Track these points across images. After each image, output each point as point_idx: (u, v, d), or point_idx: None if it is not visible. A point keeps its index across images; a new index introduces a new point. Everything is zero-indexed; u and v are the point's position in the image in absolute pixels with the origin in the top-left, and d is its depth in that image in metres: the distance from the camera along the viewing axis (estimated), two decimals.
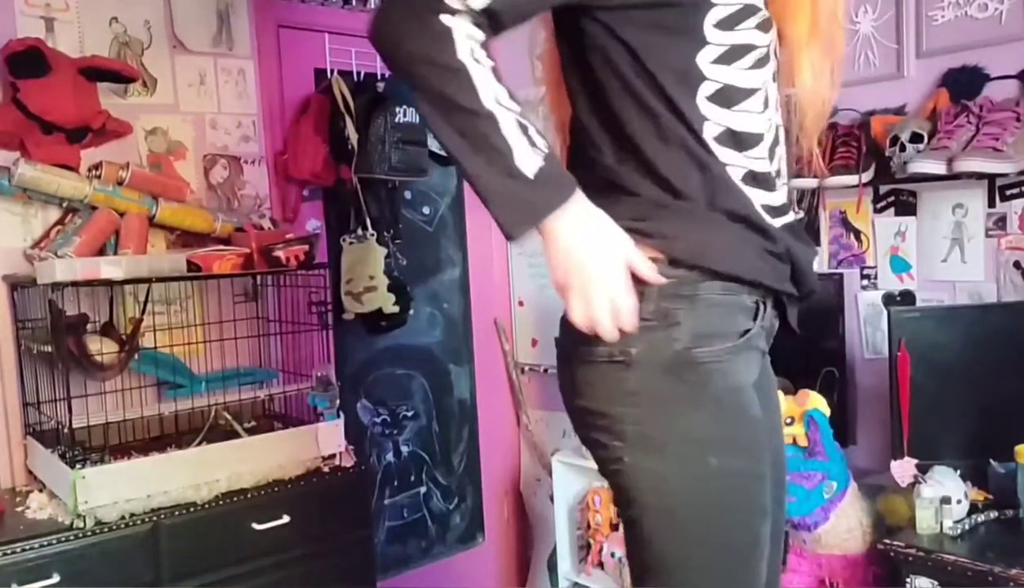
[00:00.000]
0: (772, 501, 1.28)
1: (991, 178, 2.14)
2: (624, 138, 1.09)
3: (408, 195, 3.04)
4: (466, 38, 0.97)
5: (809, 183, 2.31)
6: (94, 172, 2.26)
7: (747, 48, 1.06)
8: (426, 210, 3.11)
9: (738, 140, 1.08)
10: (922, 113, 2.26)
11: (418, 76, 0.99)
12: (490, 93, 0.98)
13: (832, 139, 2.30)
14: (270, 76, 2.68)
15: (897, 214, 2.37)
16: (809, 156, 1.27)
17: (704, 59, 1.05)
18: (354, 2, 2.83)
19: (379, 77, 2.78)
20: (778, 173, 1.15)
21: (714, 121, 1.07)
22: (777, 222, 1.12)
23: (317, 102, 2.68)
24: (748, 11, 1.06)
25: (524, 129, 1.00)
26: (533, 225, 1.02)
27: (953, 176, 2.07)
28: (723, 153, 1.07)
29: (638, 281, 1.06)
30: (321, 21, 2.78)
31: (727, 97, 1.06)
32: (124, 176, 2.26)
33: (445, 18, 0.96)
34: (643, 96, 1.06)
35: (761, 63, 1.09)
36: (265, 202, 2.66)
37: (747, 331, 1.10)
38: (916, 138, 2.15)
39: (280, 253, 2.28)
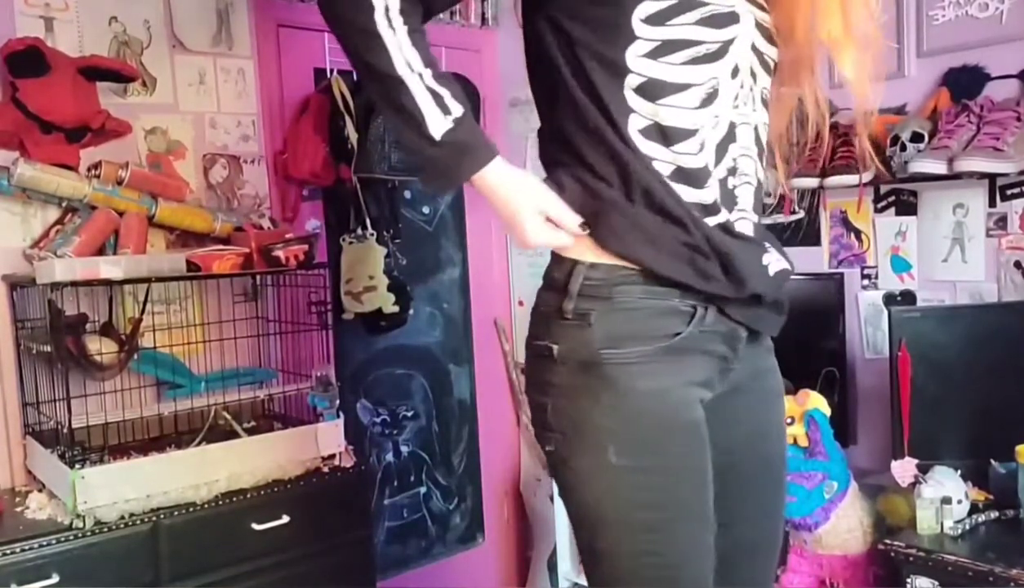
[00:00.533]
0: (769, 504, 1.28)
1: (992, 178, 2.14)
2: (557, 125, 1.14)
3: (408, 195, 3.04)
4: (383, 4, 1.04)
5: (810, 183, 2.31)
6: (93, 172, 2.26)
7: (683, 43, 1.07)
8: (426, 210, 3.11)
9: (664, 134, 1.09)
10: (923, 113, 2.26)
11: (343, 39, 1.08)
12: (401, 59, 1.04)
13: (832, 139, 2.30)
14: (270, 76, 2.68)
15: (898, 214, 2.37)
16: (863, 153, 1.28)
17: (633, 53, 1.07)
18: None
19: None
20: (732, 171, 1.13)
21: (640, 114, 1.08)
22: (709, 220, 1.11)
23: (317, 102, 2.67)
24: (684, 6, 1.06)
25: (435, 94, 1.05)
26: (449, 187, 1.12)
27: (954, 176, 2.07)
28: (647, 146, 1.09)
29: (564, 280, 1.12)
30: (321, 21, 2.76)
31: (652, 91, 1.08)
32: (123, 176, 2.26)
33: None
34: (571, 85, 1.10)
35: (707, 59, 1.08)
36: (265, 202, 2.66)
37: (678, 334, 1.11)
38: (917, 138, 2.15)
39: (280, 253, 2.28)
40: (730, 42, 1.09)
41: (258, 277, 2.49)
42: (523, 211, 1.10)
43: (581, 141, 1.11)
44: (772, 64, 1.17)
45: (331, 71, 2.74)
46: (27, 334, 2.16)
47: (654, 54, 1.07)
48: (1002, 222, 2.19)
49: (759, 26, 1.14)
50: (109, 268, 2.04)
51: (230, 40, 2.59)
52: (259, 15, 2.64)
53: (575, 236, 1.11)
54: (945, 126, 2.13)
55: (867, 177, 2.25)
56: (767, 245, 1.19)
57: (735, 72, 1.11)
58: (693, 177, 1.10)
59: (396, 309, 2.77)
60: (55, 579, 1.85)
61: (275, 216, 2.63)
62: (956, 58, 2.21)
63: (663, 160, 1.09)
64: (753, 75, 1.14)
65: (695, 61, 1.08)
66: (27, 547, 1.84)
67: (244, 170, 2.62)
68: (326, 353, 2.41)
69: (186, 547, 2.03)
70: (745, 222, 1.15)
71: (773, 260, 1.18)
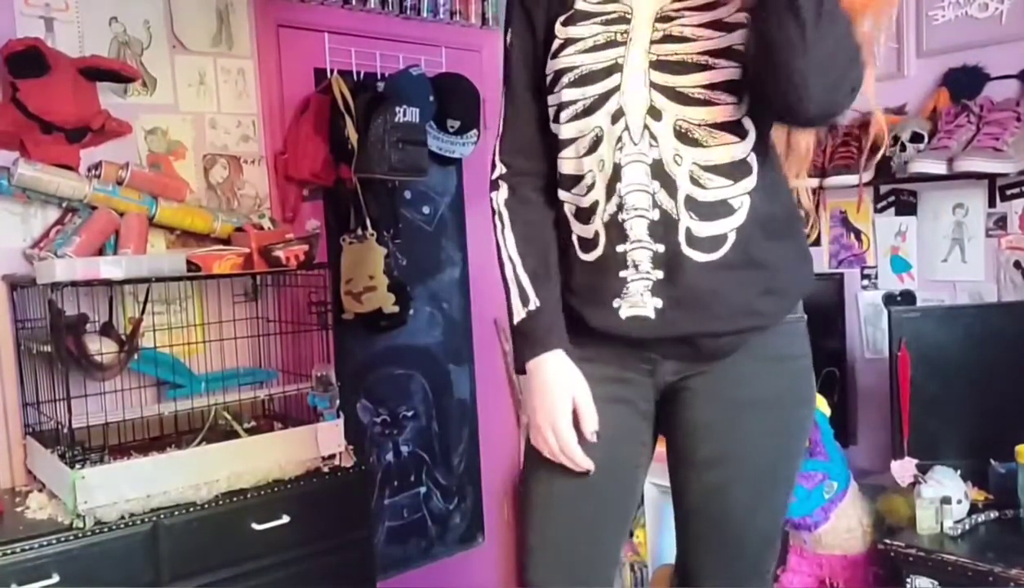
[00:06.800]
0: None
1: (991, 178, 2.15)
2: None
3: (408, 195, 3.04)
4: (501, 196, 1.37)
5: (810, 183, 2.31)
6: (93, 172, 2.26)
7: (563, 105, 1.23)
8: (426, 210, 3.11)
9: (562, 181, 1.27)
10: (922, 113, 2.26)
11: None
12: (504, 248, 1.33)
13: (832, 139, 2.30)
14: (270, 76, 2.68)
15: (897, 214, 2.37)
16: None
17: (551, 117, 1.27)
18: (354, 2, 2.83)
19: (379, 77, 2.78)
20: (621, 207, 1.20)
21: (557, 167, 1.28)
22: (586, 255, 1.25)
23: (317, 102, 2.67)
24: (560, 73, 1.23)
25: (519, 283, 1.29)
26: (518, 366, 1.31)
27: (953, 176, 2.07)
28: (561, 193, 1.28)
29: None
30: (321, 21, 2.77)
31: (555, 146, 1.27)
32: (123, 176, 2.26)
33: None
34: None
35: (585, 113, 1.21)
36: (265, 202, 2.66)
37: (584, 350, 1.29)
38: (916, 138, 2.15)
39: (280, 253, 2.28)
40: (608, 93, 1.19)
41: (258, 277, 2.49)
42: (538, 415, 1.27)
43: None
44: (693, 93, 1.16)
45: (331, 71, 2.74)
46: (27, 334, 2.16)
47: (554, 117, 1.26)
48: (1002, 222, 2.19)
49: (659, 64, 1.17)
50: (109, 268, 2.04)
51: (230, 40, 2.59)
52: (259, 15, 2.64)
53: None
54: (945, 126, 2.14)
55: (867, 177, 2.26)
56: (650, 284, 1.21)
57: (616, 117, 1.19)
58: (583, 215, 1.25)
59: (396, 309, 2.77)
60: (55, 579, 1.85)
61: (275, 216, 2.63)
62: (956, 58, 2.21)
63: (568, 202, 1.27)
64: (654, 112, 1.17)
65: (575, 117, 1.22)
66: (27, 547, 1.84)
67: (244, 170, 2.62)
68: (326, 353, 2.41)
69: (186, 547, 2.03)
70: (642, 251, 1.19)
71: (636, 303, 1.22)
